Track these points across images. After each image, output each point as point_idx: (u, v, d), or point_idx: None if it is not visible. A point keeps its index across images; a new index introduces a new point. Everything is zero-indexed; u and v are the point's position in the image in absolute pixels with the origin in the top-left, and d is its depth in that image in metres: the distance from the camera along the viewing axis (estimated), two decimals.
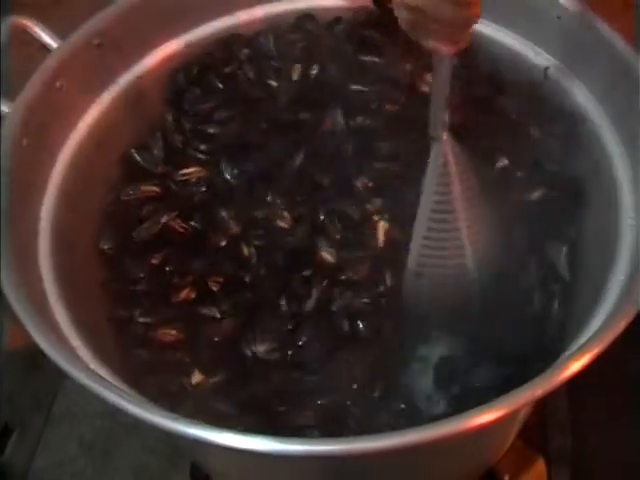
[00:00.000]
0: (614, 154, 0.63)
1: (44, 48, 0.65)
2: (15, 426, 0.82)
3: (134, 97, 0.69)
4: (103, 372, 0.50)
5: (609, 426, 0.78)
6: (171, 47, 0.72)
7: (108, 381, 0.47)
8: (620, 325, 0.46)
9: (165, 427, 0.42)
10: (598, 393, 0.77)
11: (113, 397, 0.44)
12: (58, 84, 0.63)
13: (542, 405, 0.76)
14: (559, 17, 0.66)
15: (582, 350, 0.44)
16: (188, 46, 0.72)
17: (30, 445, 0.81)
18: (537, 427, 0.74)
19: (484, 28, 0.71)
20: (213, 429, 0.41)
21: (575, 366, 0.43)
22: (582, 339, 0.48)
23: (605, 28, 0.63)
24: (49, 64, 0.62)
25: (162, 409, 0.43)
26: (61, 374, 0.46)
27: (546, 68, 0.69)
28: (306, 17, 0.74)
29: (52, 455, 0.80)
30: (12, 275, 0.51)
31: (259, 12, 0.74)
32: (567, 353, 0.48)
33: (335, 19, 0.74)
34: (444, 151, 0.56)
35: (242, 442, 0.41)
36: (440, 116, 0.54)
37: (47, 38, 0.65)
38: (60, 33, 0.65)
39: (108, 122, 0.68)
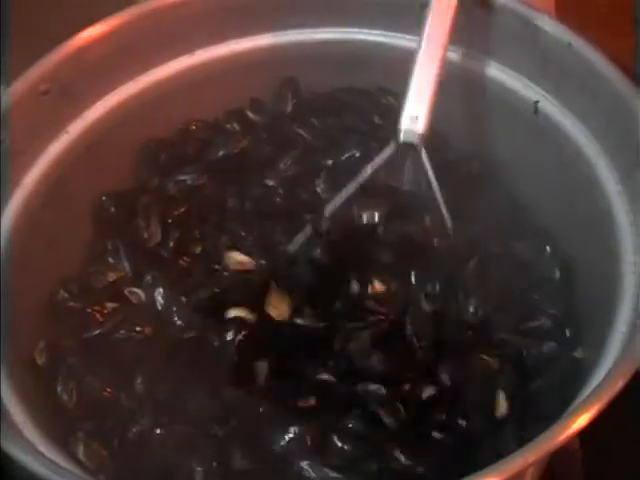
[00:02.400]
0: (612, 193, 0.62)
1: None
2: None
3: (87, 148, 0.68)
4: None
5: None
6: (127, 90, 0.71)
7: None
8: (618, 384, 0.45)
9: None
10: (616, 443, 0.73)
11: None
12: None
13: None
14: (546, 46, 0.66)
15: (578, 411, 0.44)
16: (145, 89, 0.71)
17: None
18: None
19: (460, 56, 0.71)
20: None
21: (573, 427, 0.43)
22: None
23: (598, 58, 0.62)
24: None
25: None
26: None
27: (536, 102, 0.68)
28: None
29: None
30: None
31: (220, 50, 0.74)
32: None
33: None
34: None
35: None
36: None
37: None
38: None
39: (60, 176, 0.66)
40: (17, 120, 0.62)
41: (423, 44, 0.63)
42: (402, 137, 0.63)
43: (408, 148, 0.63)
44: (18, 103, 0.62)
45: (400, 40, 0.73)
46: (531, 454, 0.42)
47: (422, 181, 0.65)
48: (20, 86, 0.63)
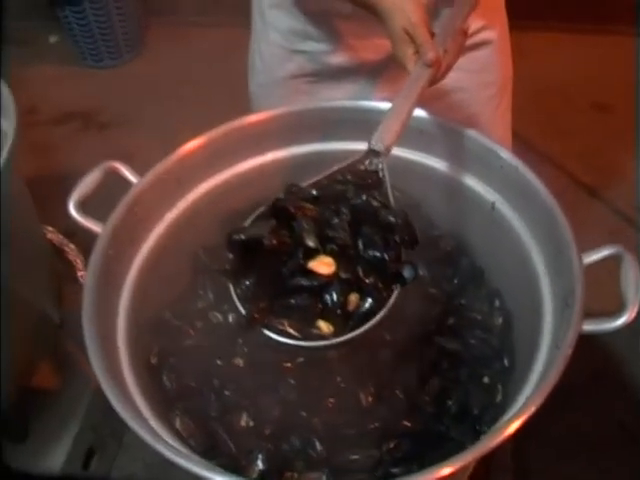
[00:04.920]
0: (540, 270, 0.68)
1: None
2: (97, 449, 0.91)
3: (189, 217, 0.77)
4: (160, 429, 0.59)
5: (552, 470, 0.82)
6: (218, 179, 0.79)
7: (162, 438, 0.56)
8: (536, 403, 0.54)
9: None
10: (542, 440, 0.81)
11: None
12: (135, 209, 0.71)
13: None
14: (502, 167, 0.73)
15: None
16: (230, 178, 0.80)
17: (107, 463, 0.89)
18: (482, 472, 0.76)
19: (444, 168, 0.78)
20: None
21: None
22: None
23: (535, 179, 0.69)
24: (130, 196, 0.70)
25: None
26: None
27: (493, 202, 0.75)
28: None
29: (123, 471, 0.88)
30: (98, 360, 0.59)
31: (282, 153, 0.81)
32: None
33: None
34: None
35: None
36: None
37: (130, 176, 0.73)
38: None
39: (171, 234, 0.75)
40: (146, 197, 0.72)
41: (401, 93, 0.67)
42: (372, 145, 0.64)
43: (374, 154, 0.65)
44: (148, 186, 0.72)
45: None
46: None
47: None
48: (150, 176, 0.72)
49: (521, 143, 1.85)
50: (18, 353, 0.87)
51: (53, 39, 2.59)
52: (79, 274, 1.10)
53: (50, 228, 1.13)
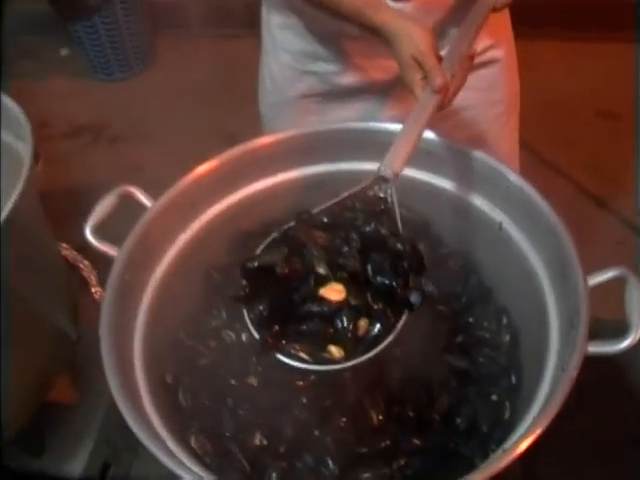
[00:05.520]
0: (546, 288, 0.69)
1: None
2: (112, 461, 0.92)
3: (203, 237, 0.78)
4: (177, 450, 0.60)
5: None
6: (229, 201, 0.81)
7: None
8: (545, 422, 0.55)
9: None
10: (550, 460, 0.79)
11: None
12: (150, 233, 0.73)
13: None
14: (508, 188, 0.74)
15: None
16: (242, 199, 0.81)
17: (123, 475, 0.90)
18: None
19: (452, 188, 0.79)
20: None
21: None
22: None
23: (540, 200, 0.70)
24: (145, 220, 0.72)
25: None
26: None
27: (500, 222, 0.76)
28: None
29: None
30: (115, 381, 0.61)
31: (292, 174, 0.83)
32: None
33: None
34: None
35: None
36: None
37: (144, 200, 0.74)
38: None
39: (184, 256, 0.77)
40: (161, 221, 0.74)
41: (409, 119, 0.68)
42: (380, 172, 0.65)
43: (383, 181, 0.65)
44: (162, 209, 0.74)
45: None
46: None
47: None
48: (164, 199, 0.74)
49: (528, 153, 1.88)
50: (36, 369, 0.89)
51: (64, 52, 2.63)
52: (93, 290, 1.12)
53: (64, 245, 1.15)
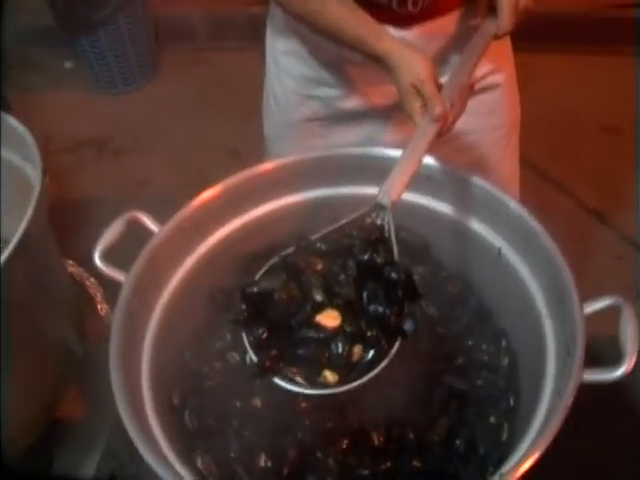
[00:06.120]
0: (543, 313, 0.71)
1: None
2: (118, 474, 0.93)
3: (208, 260, 0.80)
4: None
5: None
6: (234, 224, 0.82)
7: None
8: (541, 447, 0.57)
9: None
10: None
11: None
12: (157, 258, 0.74)
13: None
14: (508, 214, 0.76)
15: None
16: (247, 223, 0.83)
17: None
18: None
19: (452, 212, 0.81)
20: None
21: None
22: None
23: (539, 227, 0.72)
24: (152, 245, 0.74)
25: None
26: None
27: (499, 248, 0.78)
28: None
29: None
30: (123, 402, 0.63)
31: (296, 197, 0.85)
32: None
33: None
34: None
35: None
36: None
37: (151, 225, 0.76)
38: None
39: (190, 279, 0.79)
40: (167, 246, 0.75)
41: (408, 147, 0.69)
42: (378, 199, 0.67)
43: (380, 208, 0.67)
44: (170, 234, 0.76)
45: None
46: None
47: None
48: (170, 224, 0.76)
49: (530, 167, 1.90)
50: (45, 386, 0.91)
51: (68, 65, 2.66)
52: (99, 307, 1.14)
53: (70, 262, 1.17)
